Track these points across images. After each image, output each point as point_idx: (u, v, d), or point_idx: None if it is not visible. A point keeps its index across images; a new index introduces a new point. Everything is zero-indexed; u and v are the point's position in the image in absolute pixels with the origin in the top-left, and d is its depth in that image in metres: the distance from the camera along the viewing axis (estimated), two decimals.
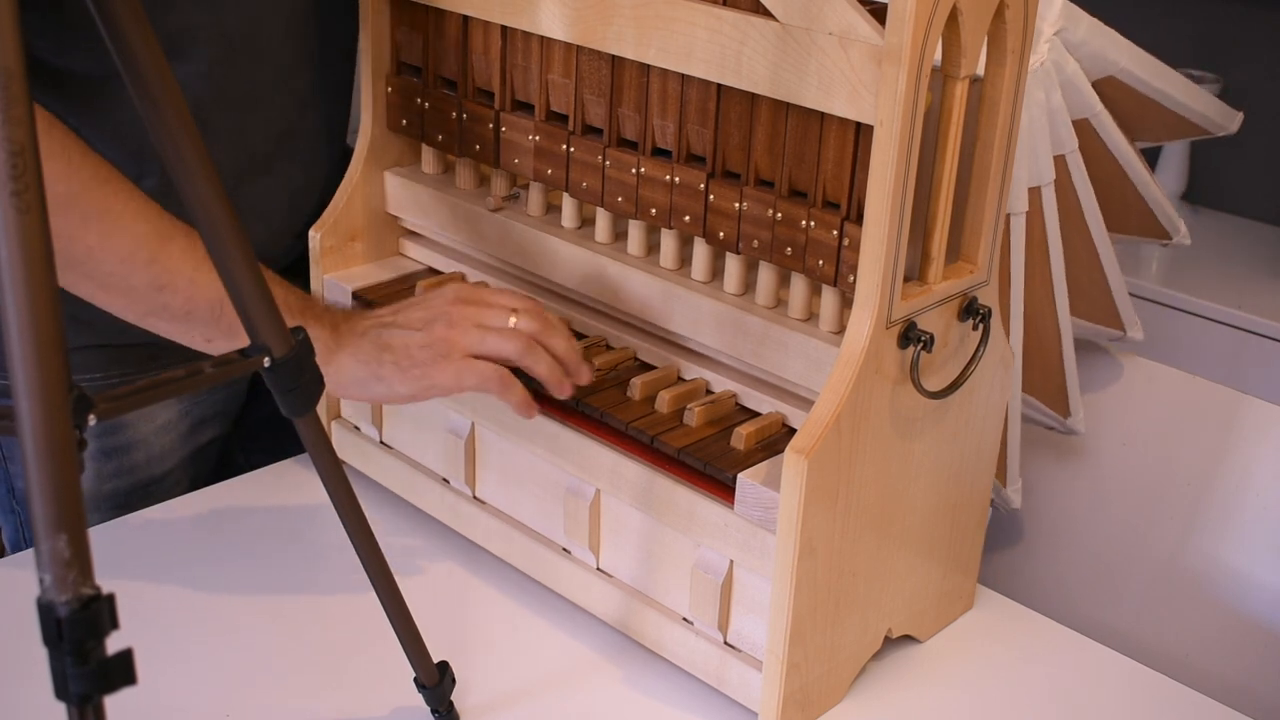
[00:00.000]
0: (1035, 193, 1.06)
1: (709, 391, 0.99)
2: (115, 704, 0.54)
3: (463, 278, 1.14)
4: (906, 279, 0.88)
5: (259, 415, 1.30)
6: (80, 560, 0.52)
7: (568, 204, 1.06)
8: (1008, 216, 1.06)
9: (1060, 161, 1.07)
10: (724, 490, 0.90)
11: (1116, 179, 1.14)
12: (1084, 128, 1.09)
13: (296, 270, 1.20)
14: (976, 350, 0.94)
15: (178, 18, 1.02)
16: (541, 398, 0.99)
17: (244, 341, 0.93)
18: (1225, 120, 1.21)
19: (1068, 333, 1.15)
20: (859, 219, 0.86)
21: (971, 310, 0.92)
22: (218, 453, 1.29)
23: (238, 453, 1.32)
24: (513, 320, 0.96)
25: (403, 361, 0.94)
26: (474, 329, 0.95)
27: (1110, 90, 1.10)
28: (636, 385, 0.98)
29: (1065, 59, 1.04)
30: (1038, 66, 1.02)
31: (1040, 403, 1.19)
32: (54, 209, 0.85)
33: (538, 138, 1.03)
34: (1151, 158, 2.41)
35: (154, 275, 0.91)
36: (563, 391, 0.96)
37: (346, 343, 0.95)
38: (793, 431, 0.94)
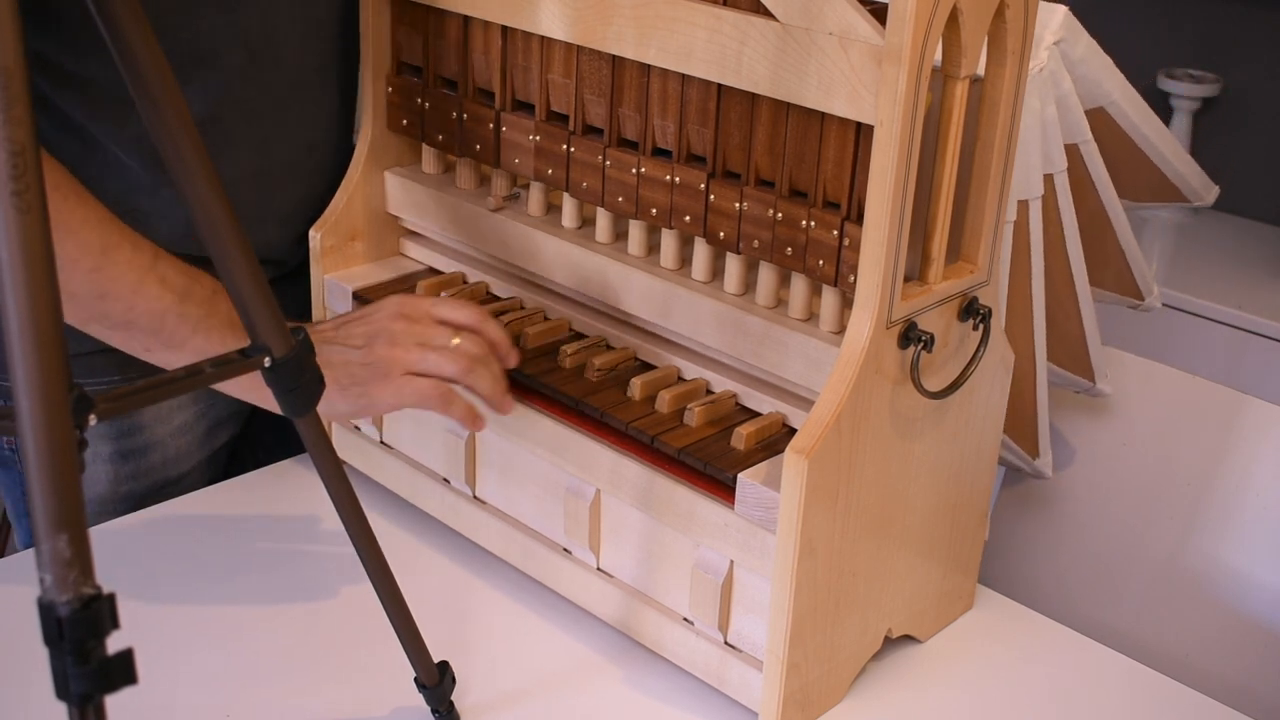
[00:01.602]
0: (1024, 205, 1.06)
1: (709, 391, 0.99)
2: (116, 704, 0.54)
3: (463, 278, 1.14)
4: (907, 279, 0.88)
5: (270, 415, 1.30)
6: (81, 560, 0.52)
7: (568, 204, 1.06)
8: None
9: (1048, 181, 1.07)
10: (724, 490, 0.90)
11: (1099, 219, 1.14)
12: (1073, 154, 1.08)
13: (304, 269, 1.20)
14: (976, 350, 0.94)
15: (198, 24, 1.02)
16: (543, 397, 1.00)
17: (184, 352, 0.94)
18: (1203, 189, 1.21)
19: (1043, 369, 1.15)
20: (859, 219, 0.86)
21: (972, 310, 0.93)
22: (229, 454, 1.29)
23: (246, 452, 1.32)
24: (455, 341, 0.96)
25: (343, 379, 0.94)
26: (415, 347, 0.95)
27: (1099, 126, 1.09)
28: (636, 385, 0.98)
29: (1062, 74, 1.04)
30: (1036, 72, 1.02)
31: (1010, 440, 1.19)
32: (63, 255, 0.86)
33: (538, 138, 1.03)
34: None
35: (96, 283, 0.91)
36: (504, 409, 0.97)
37: None
38: (793, 431, 0.94)
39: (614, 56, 0.96)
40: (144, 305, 0.93)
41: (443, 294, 1.10)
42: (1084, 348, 1.18)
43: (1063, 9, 1.03)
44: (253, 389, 0.98)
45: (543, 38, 1.00)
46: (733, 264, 0.96)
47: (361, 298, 1.12)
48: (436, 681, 0.89)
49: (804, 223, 0.89)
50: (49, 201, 0.87)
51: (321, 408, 0.95)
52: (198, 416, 1.21)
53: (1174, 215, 2.37)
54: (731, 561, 0.91)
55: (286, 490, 1.17)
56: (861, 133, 0.85)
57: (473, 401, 0.98)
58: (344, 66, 1.15)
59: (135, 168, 1.06)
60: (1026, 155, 1.03)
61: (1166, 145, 1.16)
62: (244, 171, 1.10)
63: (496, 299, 1.12)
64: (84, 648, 0.52)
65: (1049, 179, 1.06)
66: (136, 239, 0.94)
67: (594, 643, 1.01)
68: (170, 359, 0.95)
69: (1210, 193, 1.22)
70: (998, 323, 0.95)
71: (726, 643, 0.94)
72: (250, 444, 1.32)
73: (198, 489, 1.23)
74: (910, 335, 0.87)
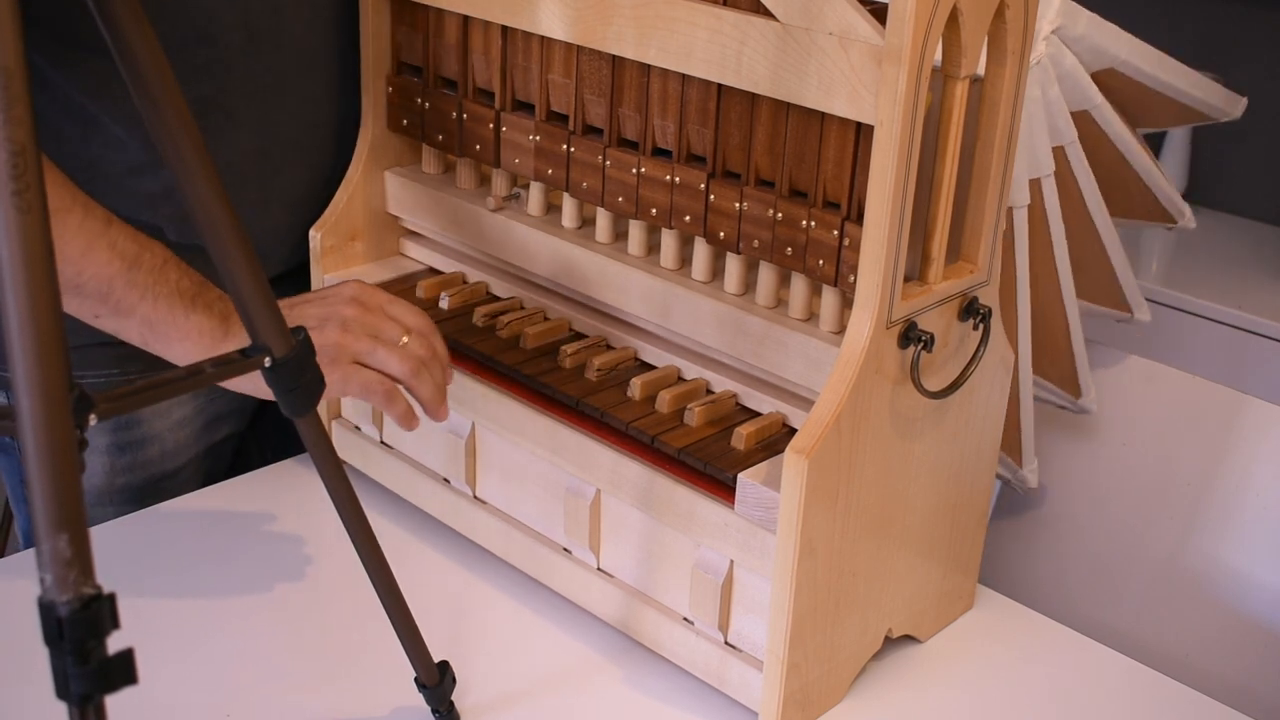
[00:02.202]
0: (1036, 184, 1.07)
1: (709, 391, 0.99)
2: (116, 704, 0.54)
3: (463, 278, 1.14)
4: (907, 279, 0.88)
5: (275, 413, 1.30)
6: (81, 560, 0.52)
7: (568, 204, 1.06)
8: (1010, 210, 1.06)
9: (1060, 152, 1.07)
10: (724, 490, 0.90)
11: (1118, 167, 1.14)
12: (1084, 119, 1.09)
13: (307, 268, 1.19)
14: (976, 350, 0.94)
15: (203, 5, 1.02)
16: (543, 397, 1.00)
17: (132, 319, 0.95)
18: (1229, 106, 1.21)
19: (1075, 318, 1.16)
20: (859, 219, 0.86)
21: (972, 310, 0.92)
22: (233, 450, 1.29)
23: (253, 450, 1.32)
24: (405, 340, 0.96)
25: None
26: (366, 338, 0.95)
27: (1111, 81, 1.10)
28: (636, 385, 0.98)
29: (1063, 53, 1.04)
30: (1034, 64, 1.02)
31: (1053, 385, 1.20)
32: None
33: (538, 138, 1.03)
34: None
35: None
36: (439, 416, 0.96)
37: (236, 334, 0.95)
38: (793, 431, 0.94)
39: (614, 56, 0.96)
40: (92, 270, 0.93)
41: (443, 295, 1.10)
42: (1116, 283, 1.19)
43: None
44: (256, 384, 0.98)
45: (543, 38, 1.00)
46: (733, 264, 0.96)
47: None
48: (436, 681, 0.89)
49: (804, 223, 0.89)
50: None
51: (261, 385, 0.95)
52: (196, 411, 1.21)
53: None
54: (731, 561, 0.91)
55: (286, 490, 1.17)
56: (861, 133, 0.85)
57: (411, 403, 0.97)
58: (348, 46, 1.14)
59: (136, 148, 1.06)
60: (1032, 139, 1.04)
61: (1184, 80, 1.15)
62: (246, 152, 1.10)
63: (496, 299, 1.12)
64: (84, 647, 0.52)
65: (1059, 150, 1.07)
66: (89, 204, 0.94)
67: (594, 643, 1.01)
68: (118, 326, 0.96)
69: (1237, 106, 1.22)
70: (998, 322, 0.95)
71: (726, 643, 0.94)
72: (257, 442, 1.32)
73: (194, 483, 1.23)
74: (910, 335, 0.87)
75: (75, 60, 1.02)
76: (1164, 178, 1.18)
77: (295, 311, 0.96)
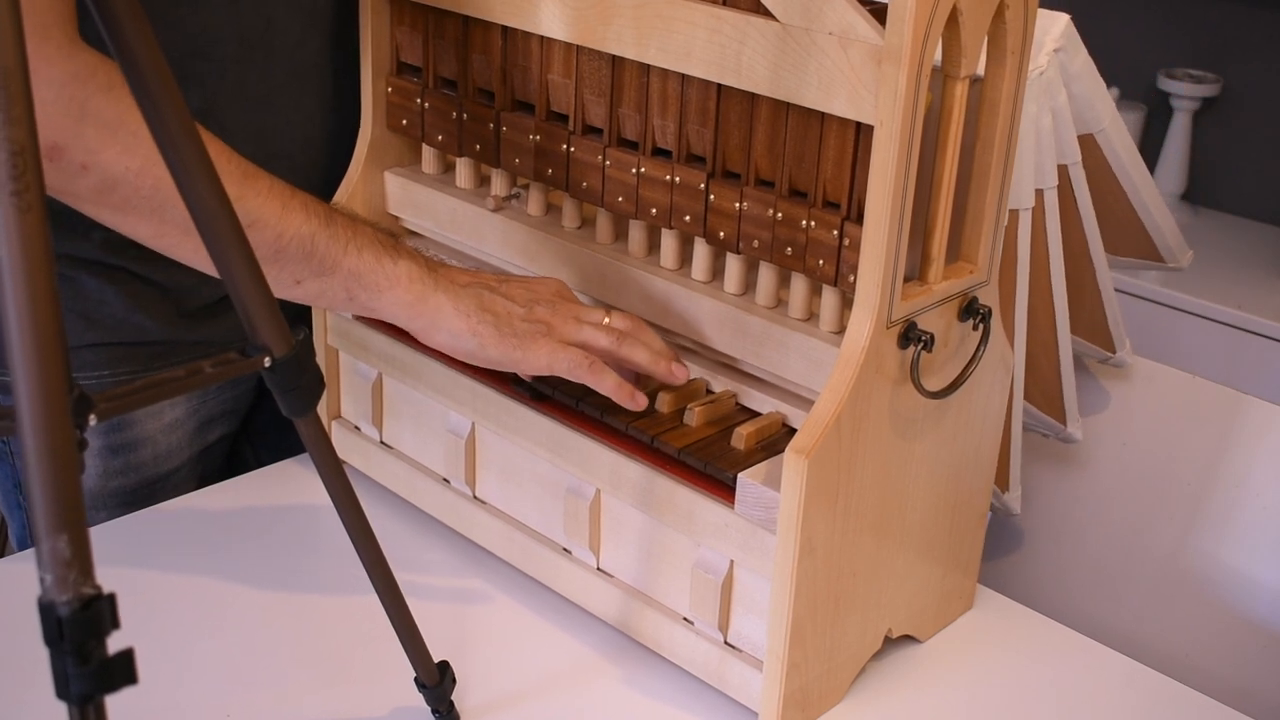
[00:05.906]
0: (1014, 215, 1.06)
1: (709, 391, 0.99)
2: (116, 703, 0.54)
3: None
4: (907, 279, 0.88)
5: (268, 414, 1.31)
6: (81, 560, 0.52)
7: (568, 204, 1.06)
8: (1015, 212, 1.06)
9: (1039, 196, 1.07)
10: (724, 490, 0.90)
11: (1080, 263, 1.14)
12: (1061, 175, 1.08)
13: None
14: (976, 350, 0.94)
15: (200, 18, 1.02)
16: (544, 397, 1.00)
17: (334, 278, 0.94)
18: (1179, 251, 1.22)
19: (1065, 339, 1.15)
20: (859, 219, 0.86)
21: (972, 310, 0.93)
22: (226, 451, 1.29)
23: (246, 451, 1.32)
24: (607, 319, 0.98)
25: (503, 327, 0.95)
26: (572, 320, 0.97)
27: (1086, 155, 1.09)
28: None
29: (1059, 85, 1.04)
30: (1036, 75, 1.02)
31: (1037, 410, 1.19)
32: (144, 153, 0.85)
33: (538, 137, 1.03)
34: (1151, 156, 2.41)
35: (243, 212, 0.90)
36: (670, 376, 0.96)
37: (446, 289, 0.96)
38: (793, 431, 0.94)
39: (614, 56, 0.96)
40: (292, 230, 0.91)
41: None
42: (1059, 382, 1.19)
43: (1065, 18, 1.03)
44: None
45: (542, 38, 1.00)
46: (733, 264, 0.96)
47: None
48: (436, 681, 0.90)
49: (804, 223, 0.89)
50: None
51: (471, 347, 0.95)
52: (189, 413, 1.21)
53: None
54: (731, 561, 0.91)
55: (286, 490, 1.17)
56: (861, 132, 0.85)
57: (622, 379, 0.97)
58: (342, 59, 1.14)
59: None
60: (1021, 163, 1.03)
61: (1148, 191, 1.15)
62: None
63: None
64: (84, 648, 0.52)
65: (1039, 194, 1.07)
66: (271, 174, 0.93)
67: (594, 643, 1.01)
68: (321, 287, 0.94)
69: (1185, 257, 1.23)
70: (998, 322, 0.95)
71: (726, 643, 0.94)
72: (252, 442, 1.32)
73: (188, 486, 1.23)
74: (910, 335, 0.88)
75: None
76: (1114, 298, 1.19)
77: (504, 287, 0.97)
